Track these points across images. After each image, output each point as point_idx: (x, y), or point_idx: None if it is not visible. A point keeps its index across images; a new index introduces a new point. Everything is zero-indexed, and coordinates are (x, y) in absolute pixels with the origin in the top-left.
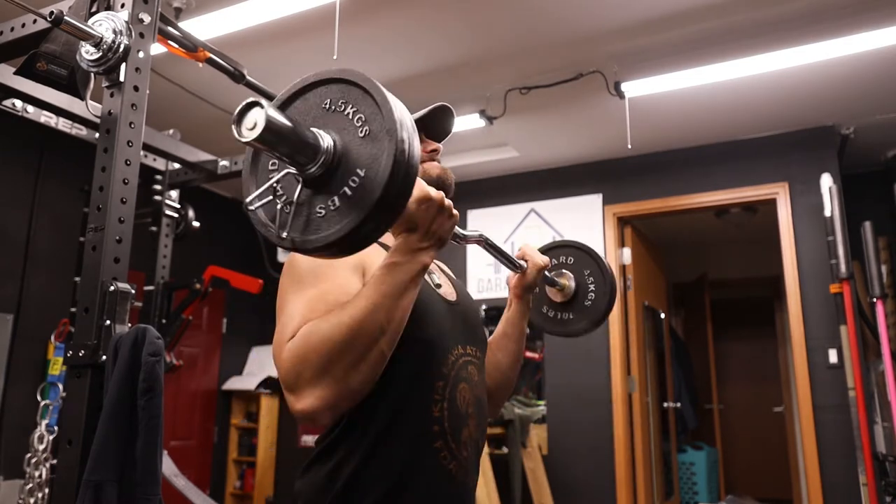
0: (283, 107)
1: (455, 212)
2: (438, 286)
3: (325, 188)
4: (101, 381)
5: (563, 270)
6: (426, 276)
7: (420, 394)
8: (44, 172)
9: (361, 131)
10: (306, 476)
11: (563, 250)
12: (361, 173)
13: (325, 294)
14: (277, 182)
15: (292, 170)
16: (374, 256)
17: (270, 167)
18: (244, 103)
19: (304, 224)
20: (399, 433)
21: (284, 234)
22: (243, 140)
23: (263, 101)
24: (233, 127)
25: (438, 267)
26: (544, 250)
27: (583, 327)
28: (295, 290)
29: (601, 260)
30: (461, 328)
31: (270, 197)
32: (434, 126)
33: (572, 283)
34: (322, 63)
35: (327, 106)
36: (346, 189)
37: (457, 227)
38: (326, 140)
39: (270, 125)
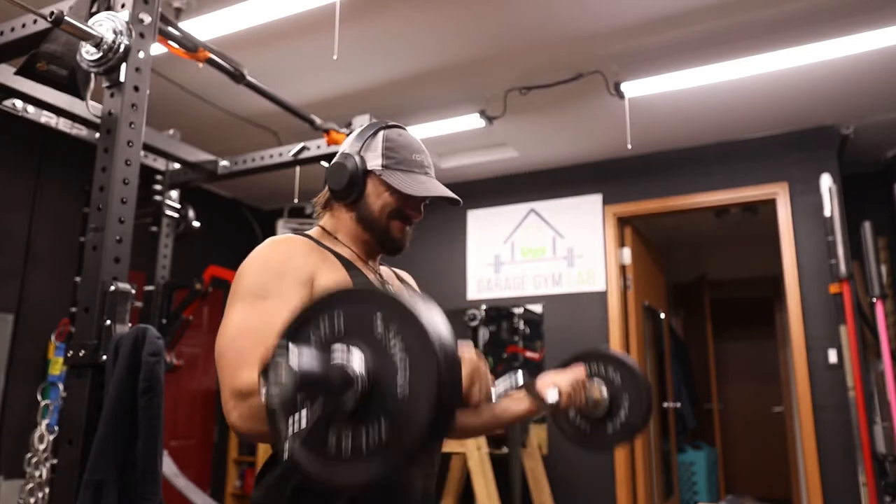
0: (307, 319)
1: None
2: (386, 284)
3: (353, 420)
4: (102, 380)
5: (596, 381)
6: (379, 285)
7: None
8: (44, 172)
9: (399, 357)
10: (262, 480)
11: (595, 360)
12: (397, 411)
13: (271, 314)
14: (306, 409)
15: (319, 407)
16: (325, 266)
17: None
18: (271, 361)
19: (323, 453)
20: None
21: (287, 449)
22: (268, 403)
23: (292, 352)
24: (261, 388)
25: (389, 268)
26: (578, 358)
27: (612, 443)
28: (242, 298)
29: (636, 371)
30: None
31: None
32: (434, 202)
33: (605, 397)
34: (322, 63)
35: (360, 323)
36: (378, 429)
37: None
38: (357, 366)
39: (302, 380)
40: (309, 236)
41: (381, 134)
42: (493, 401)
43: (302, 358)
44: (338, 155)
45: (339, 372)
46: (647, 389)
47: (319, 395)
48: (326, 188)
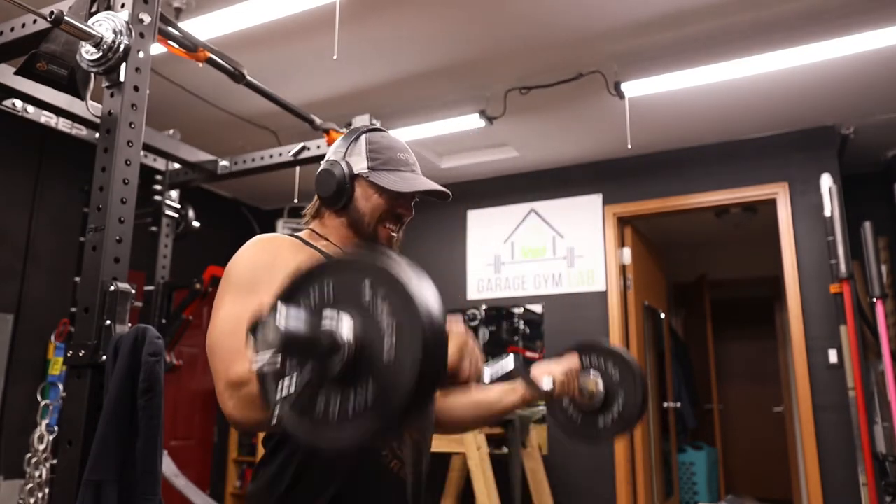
0: (299, 286)
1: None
2: None
3: (340, 384)
4: (101, 381)
5: (591, 373)
6: None
7: None
8: (44, 172)
9: (386, 323)
10: (256, 478)
11: (593, 352)
12: (382, 376)
13: (258, 308)
14: (295, 374)
15: (307, 372)
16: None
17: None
18: (260, 320)
19: (311, 417)
20: None
21: (276, 414)
22: (254, 366)
23: (280, 312)
24: (250, 340)
25: None
26: (573, 349)
27: (606, 435)
28: (233, 291)
29: (633, 365)
30: None
31: (276, 370)
32: (427, 201)
33: (600, 390)
34: (322, 63)
35: (350, 290)
36: (364, 393)
37: (486, 373)
38: (345, 331)
39: (287, 340)
40: (298, 237)
41: (363, 137)
42: (485, 381)
43: (289, 319)
44: (324, 162)
45: (328, 336)
46: (642, 384)
47: (307, 358)
48: (315, 198)
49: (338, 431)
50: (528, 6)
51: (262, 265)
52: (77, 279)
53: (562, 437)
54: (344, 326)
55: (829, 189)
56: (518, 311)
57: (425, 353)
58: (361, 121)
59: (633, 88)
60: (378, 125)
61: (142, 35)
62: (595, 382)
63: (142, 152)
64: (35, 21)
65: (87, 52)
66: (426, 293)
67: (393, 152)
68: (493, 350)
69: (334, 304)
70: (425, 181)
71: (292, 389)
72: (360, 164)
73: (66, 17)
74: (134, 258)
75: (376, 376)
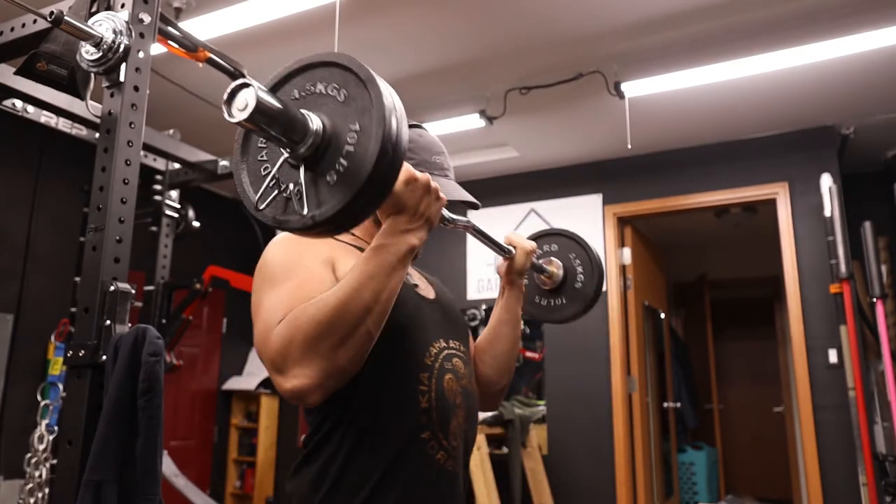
0: (271, 91)
1: (442, 195)
2: (415, 286)
3: (317, 167)
4: (101, 381)
5: (551, 258)
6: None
7: (405, 386)
8: (44, 172)
9: (348, 110)
10: (296, 477)
11: (549, 238)
12: (351, 150)
13: (301, 284)
14: (277, 173)
15: (286, 154)
16: (342, 254)
17: (259, 157)
18: (234, 84)
19: (314, 203)
20: (385, 426)
21: (305, 212)
22: (234, 120)
23: (253, 82)
24: (223, 107)
25: (416, 271)
26: (530, 239)
27: (573, 312)
28: (270, 286)
29: (586, 244)
30: (441, 323)
31: (276, 192)
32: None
33: (560, 270)
34: None
35: (315, 88)
36: (338, 167)
37: (445, 211)
38: (315, 120)
39: (261, 105)
40: None
41: None
42: (448, 219)
43: (265, 93)
44: None
45: (301, 119)
46: (597, 260)
47: (279, 136)
48: None
49: (325, 203)
50: (527, 6)
51: (293, 253)
52: (77, 279)
53: (570, 443)
54: (314, 118)
55: (829, 189)
56: None
57: (384, 141)
58: None
59: (633, 88)
60: (417, 123)
61: (142, 35)
62: (557, 264)
63: (142, 152)
64: (35, 21)
65: (87, 52)
66: (394, 100)
67: (429, 154)
68: None
69: (308, 98)
70: (455, 189)
71: (262, 169)
72: None
73: (66, 17)
74: (134, 258)
75: (342, 163)
